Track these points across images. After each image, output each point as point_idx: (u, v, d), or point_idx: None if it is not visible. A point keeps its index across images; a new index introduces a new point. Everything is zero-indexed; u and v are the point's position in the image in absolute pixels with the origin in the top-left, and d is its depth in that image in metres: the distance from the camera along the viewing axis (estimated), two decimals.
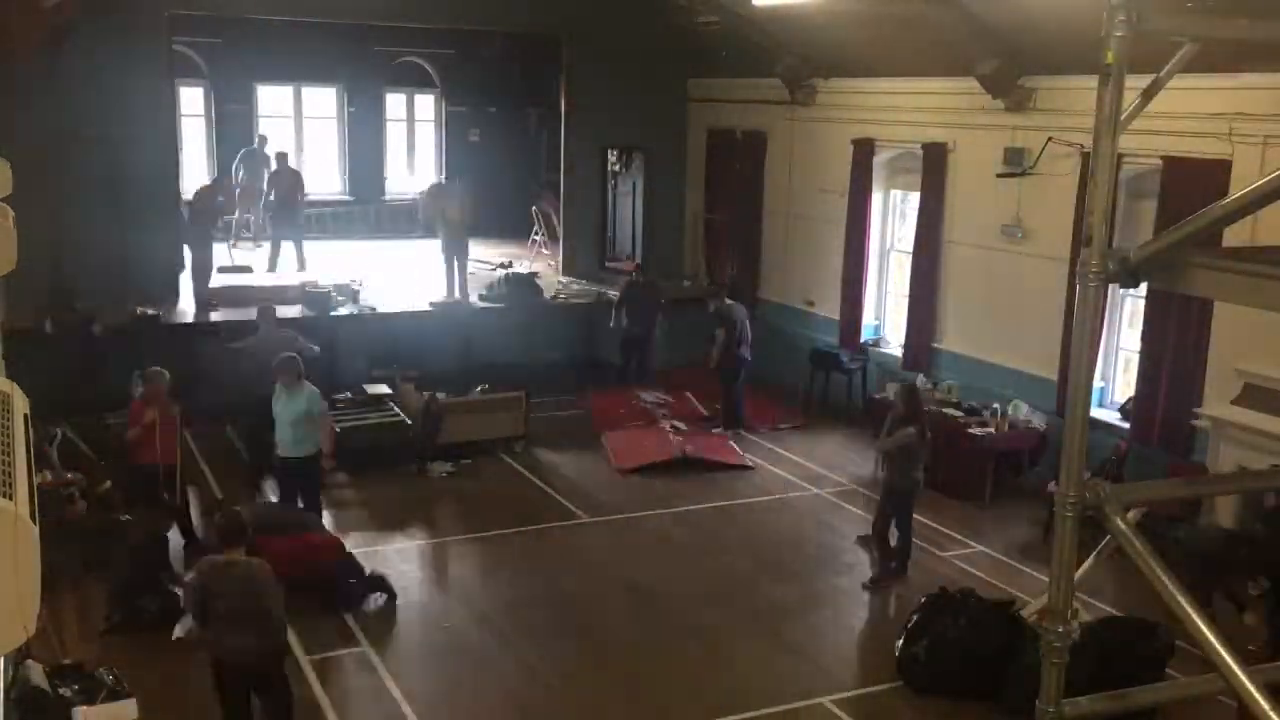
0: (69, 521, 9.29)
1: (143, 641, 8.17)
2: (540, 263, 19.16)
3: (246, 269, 17.54)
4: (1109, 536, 3.77)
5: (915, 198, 13.99)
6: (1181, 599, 3.44)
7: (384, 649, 8.45)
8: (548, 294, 16.55)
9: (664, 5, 16.42)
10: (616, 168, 18.82)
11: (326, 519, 10.27)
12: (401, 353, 14.23)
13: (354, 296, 15.29)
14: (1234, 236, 7.93)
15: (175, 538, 9.74)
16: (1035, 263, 12.13)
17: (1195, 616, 3.40)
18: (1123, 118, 3.65)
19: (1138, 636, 7.62)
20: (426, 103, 23.82)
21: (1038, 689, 3.90)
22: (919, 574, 9.77)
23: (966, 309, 13.29)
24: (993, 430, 11.93)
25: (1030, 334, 12.23)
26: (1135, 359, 11.30)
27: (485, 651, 8.49)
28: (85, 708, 6.38)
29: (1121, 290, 9.57)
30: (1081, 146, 11.11)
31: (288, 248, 17.89)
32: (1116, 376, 11.88)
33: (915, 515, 10.17)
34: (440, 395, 12.69)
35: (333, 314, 14.76)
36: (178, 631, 8.24)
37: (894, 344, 14.58)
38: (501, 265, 18.75)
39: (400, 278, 17.05)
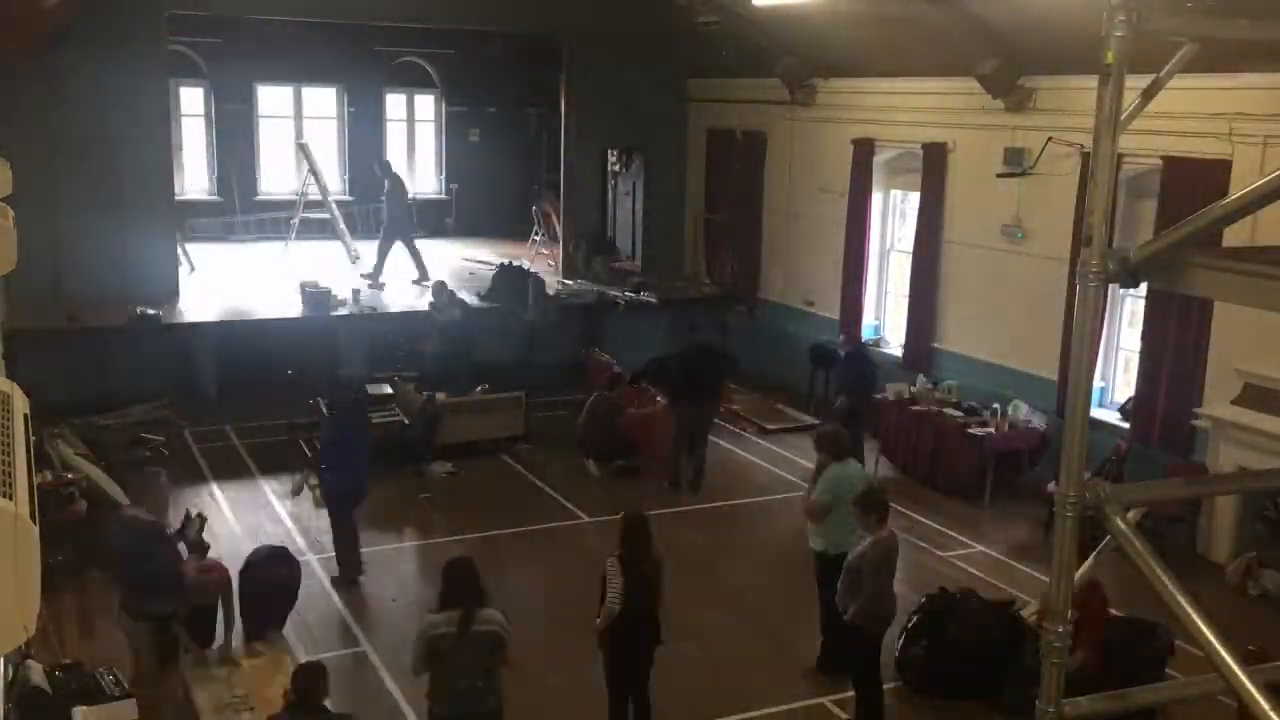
0: (69, 521, 9.28)
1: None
2: (540, 262, 19.16)
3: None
4: (1109, 536, 3.76)
5: (915, 198, 13.99)
6: (1181, 599, 3.43)
7: (384, 649, 8.45)
8: (549, 291, 16.42)
9: (664, 5, 16.42)
10: (616, 168, 18.82)
11: (324, 519, 10.22)
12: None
13: (354, 296, 15.32)
14: (1234, 236, 7.93)
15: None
16: (1035, 263, 12.13)
17: (1195, 616, 3.40)
18: (1123, 118, 3.64)
19: (1138, 636, 7.62)
20: (426, 103, 23.80)
21: (1037, 689, 3.90)
22: (919, 574, 9.76)
23: (966, 309, 13.29)
24: (993, 430, 11.93)
25: (1030, 334, 12.23)
26: (1135, 359, 11.30)
27: None
28: (85, 708, 6.37)
29: (1121, 290, 9.56)
30: (1081, 146, 11.11)
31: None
32: (1116, 376, 11.88)
33: (916, 515, 10.15)
34: (439, 395, 12.70)
35: (333, 314, 14.80)
36: None
37: (894, 344, 14.58)
38: (502, 265, 18.73)
39: (400, 278, 17.04)
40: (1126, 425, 11.23)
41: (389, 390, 13.09)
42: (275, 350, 13.75)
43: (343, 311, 14.95)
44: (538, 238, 20.22)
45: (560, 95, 17.93)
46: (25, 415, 3.37)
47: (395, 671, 8.09)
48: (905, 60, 13.47)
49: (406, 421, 12.49)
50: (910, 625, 8.22)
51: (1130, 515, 3.70)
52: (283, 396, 12.96)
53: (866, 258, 14.77)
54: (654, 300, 16.32)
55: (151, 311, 13.92)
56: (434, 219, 22.85)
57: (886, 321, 15.00)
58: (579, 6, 16.73)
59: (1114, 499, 3.68)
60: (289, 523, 10.83)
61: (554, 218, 19.53)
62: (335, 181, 22.93)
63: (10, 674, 6.11)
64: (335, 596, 9.36)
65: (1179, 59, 4.03)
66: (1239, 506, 10.07)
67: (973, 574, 9.90)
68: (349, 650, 8.40)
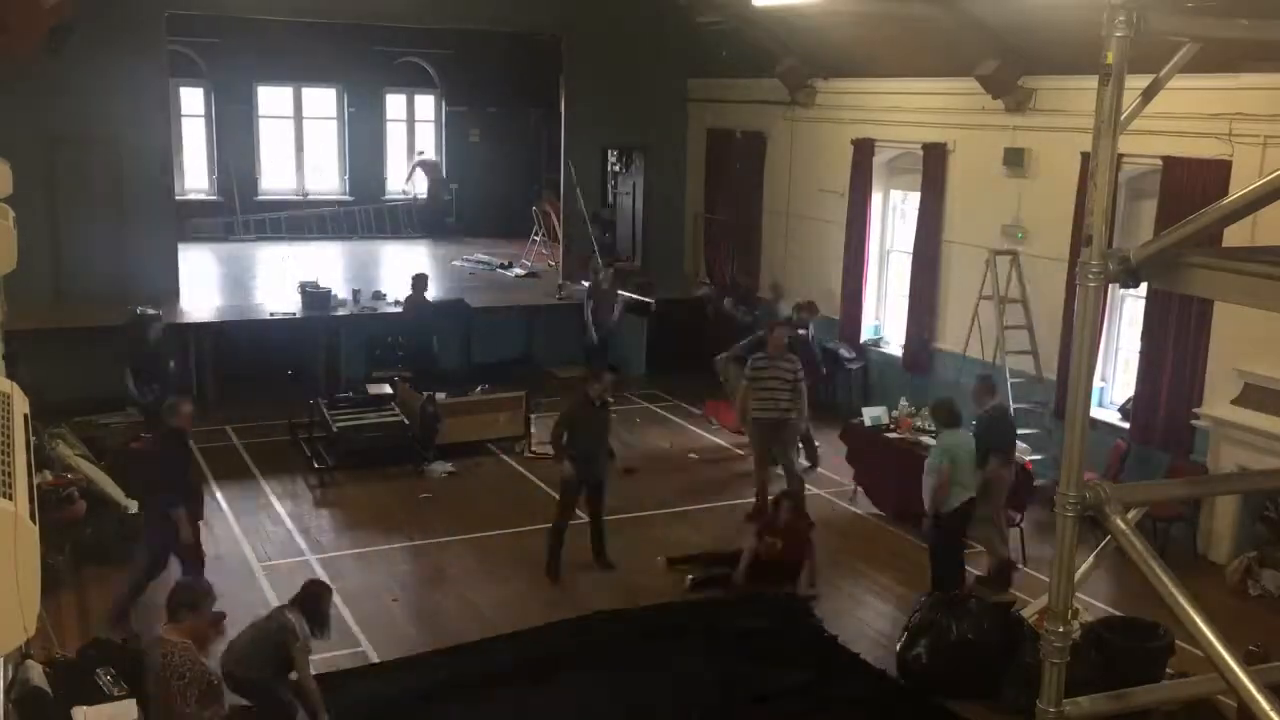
0: (69, 521, 9.29)
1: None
2: (540, 262, 19.17)
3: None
4: (1109, 536, 3.76)
5: (915, 198, 13.99)
6: (1181, 599, 3.43)
7: (384, 649, 8.45)
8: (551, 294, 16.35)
9: (664, 5, 16.42)
10: (616, 168, 18.81)
11: (324, 519, 10.25)
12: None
13: (354, 296, 15.32)
14: (1234, 236, 7.93)
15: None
16: (1035, 263, 12.12)
17: (1195, 616, 3.40)
18: (1123, 118, 3.65)
19: (1138, 637, 7.62)
20: (426, 103, 23.83)
21: (1038, 689, 3.90)
22: (919, 574, 9.75)
23: (966, 309, 13.26)
24: None
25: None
26: (1135, 359, 11.30)
27: None
28: (85, 708, 6.37)
29: (1121, 290, 9.56)
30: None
31: None
32: (1116, 376, 11.87)
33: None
34: (439, 396, 12.70)
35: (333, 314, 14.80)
36: None
37: (894, 344, 14.58)
38: (502, 266, 18.77)
39: (400, 278, 17.04)
40: (1126, 425, 11.22)
41: (389, 390, 13.11)
42: (275, 350, 13.73)
43: (343, 312, 14.96)
44: (537, 238, 20.22)
45: (560, 95, 17.94)
46: (25, 415, 3.37)
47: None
48: (905, 60, 13.47)
49: (406, 421, 12.49)
50: (910, 625, 8.22)
51: (1130, 515, 3.71)
52: (283, 396, 12.92)
53: (866, 258, 14.76)
54: (650, 301, 16.29)
55: (151, 311, 13.94)
56: (434, 219, 22.88)
57: (886, 321, 15.00)
58: (579, 6, 16.73)
59: (1114, 499, 3.68)
60: (289, 523, 10.82)
61: (554, 217, 19.55)
62: (335, 181, 22.97)
63: (10, 674, 6.11)
64: (335, 596, 9.34)
65: (1179, 59, 4.04)
66: (1239, 506, 10.07)
67: (973, 574, 9.89)
68: (349, 650, 8.39)
